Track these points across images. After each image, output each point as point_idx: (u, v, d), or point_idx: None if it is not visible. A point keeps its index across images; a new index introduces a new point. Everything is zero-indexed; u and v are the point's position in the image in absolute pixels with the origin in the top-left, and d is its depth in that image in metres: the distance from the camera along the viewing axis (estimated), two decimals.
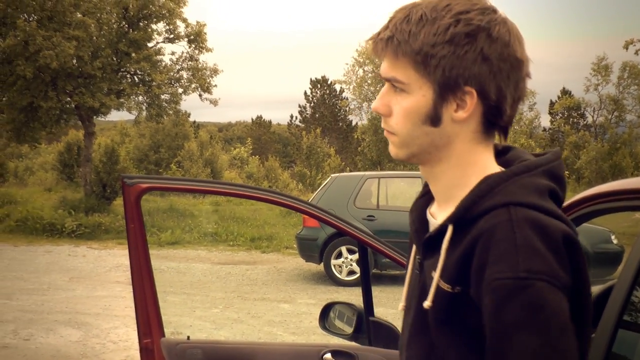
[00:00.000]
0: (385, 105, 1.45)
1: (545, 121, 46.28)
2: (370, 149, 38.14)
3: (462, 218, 1.35)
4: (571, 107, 44.44)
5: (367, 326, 3.05)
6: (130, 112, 24.88)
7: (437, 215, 1.48)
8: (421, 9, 1.38)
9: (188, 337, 2.82)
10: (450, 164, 1.43)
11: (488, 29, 1.36)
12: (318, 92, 61.83)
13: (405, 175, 16.00)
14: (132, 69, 23.55)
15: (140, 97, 24.33)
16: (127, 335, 8.32)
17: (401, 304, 1.57)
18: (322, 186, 13.41)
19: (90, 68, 21.65)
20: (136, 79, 23.89)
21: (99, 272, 13.23)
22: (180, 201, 24.08)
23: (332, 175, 13.87)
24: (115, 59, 22.97)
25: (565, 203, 2.63)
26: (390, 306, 10.22)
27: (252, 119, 73.51)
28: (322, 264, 12.51)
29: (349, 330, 3.07)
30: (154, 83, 23.22)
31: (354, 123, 51.88)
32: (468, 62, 1.35)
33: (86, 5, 21.82)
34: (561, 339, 1.21)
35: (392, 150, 1.49)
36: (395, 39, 1.38)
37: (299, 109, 62.56)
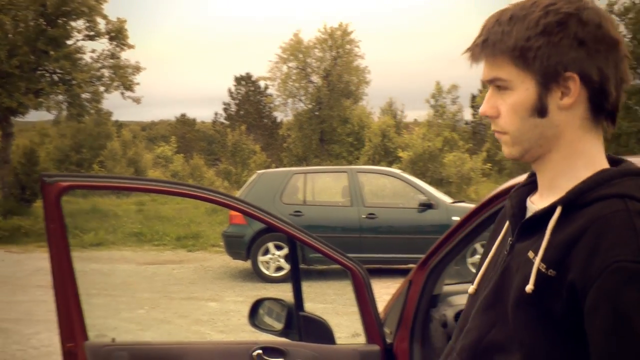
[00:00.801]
0: (492, 108, 1.48)
1: (467, 115, 47.03)
2: (296, 145, 38.14)
3: (574, 202, 1.37)
4: None
5: (297, 321, 3.01)
6: (49, 112, 24.27)
7: (538, 203, 1.50)
8: (510, 11, 1.44)
9: (113, 340, 2.73)
10: (560, 154, 1.45)
11: (577, 14, 1.39)
12: (242, 88, 61.42)
13: (331, 170, 16.09)
14: (51, 68, 22.94)
15: (60, 96, 23.71)
16: (50, 340, 8.06)
17: (472, 287, 1.62)
18: (247, 183, 13.31)
19: (7, 66, 20.99)
20: (55, 77, 23.29)
21: (18, 276, 12.84)
22: (103, 202, 23.61)
23: (258, 171, 13.79)
24: (33, 57, 22.30)
25: (490, 194, 2.67)
26: (319, 301, 10.22)
27: (175, 117, 72.64)
28: (249, 261, 12.41)
29: (279, 326, 3.03)
30: (74, 82, 22.67)
31: (279, 119, 51.78)
32: (564, 48, 1.38)
33: (0, 2, 21.13)
34: None
35: (506, 150, 1.52)
36: (489, 41, 1.44)
37: (224, 106, 62.07)
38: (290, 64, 38.60)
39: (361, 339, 2.92)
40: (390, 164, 26.58)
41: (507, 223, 1.63)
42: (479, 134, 44.73)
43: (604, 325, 1.25)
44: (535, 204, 1.52)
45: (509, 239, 1.54)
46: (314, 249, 2.90)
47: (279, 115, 47.83)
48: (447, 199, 12.86)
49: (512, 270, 1.46)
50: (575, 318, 1.31)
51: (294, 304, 3.04)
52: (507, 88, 1.44)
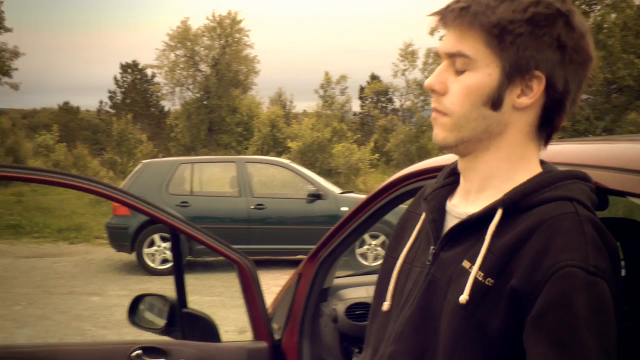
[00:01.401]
0: (441, 83, 1.35)
1: (355, 106, 47.56)
2: (184, 134, 37.60)
3: (516, 204, 1.28)
4: (380, 91, 45.98)
5: (180, 319, 2.84)
6: None
7: (461, 206, 1.41)
8: None
9: None
10: (499, 154, 1.35)
11: (567, 16, 1.30)
12: (129, 76, 60.01)
13: (219, 160, 15.85)
14: None
15: None
16: None
17: (386, 303, 1.47)
18: (132, 173, 12.91)
19: None
20: None
21: None
22: None
23: (143, 161, 13.40)
24: None
25: (380, 185, 2.59)
26: (206, 293, 10.02)
27: (58, 105, 70.26)
28: (134, 254, 12.05)
29: (161, 323, 2.85)
30: None
31: (166, 109, 50.89)
32: (544, 45, 1.28)
33: None
34: (613, 347, 1.16)
35: (440, 134, 1.37)
36: (470, 9, 1.30)
37: (109, 94, 60.51)
38: (178, 52, 37.95)
39: (248, 335, 2.78)
40: (279, 154, 26.51)
41: (417, 229, 1.51)
42: (367, 125, 45.33)
43: (549, 335, 1.15)
44: (458, 207, 1.41)
45: (431, 247, 1.41)
46: (198, 241, 2.73)
47: (167, 105, 47.05)
48: (336, 190, 12.86)
49: (440, 283, 1.34)
50: (513, 332, 1.20)
51: (176, 300, 2.87)
52: (468, 67, 1.31)
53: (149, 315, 2.94)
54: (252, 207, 12.03)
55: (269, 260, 12.31)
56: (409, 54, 39.06)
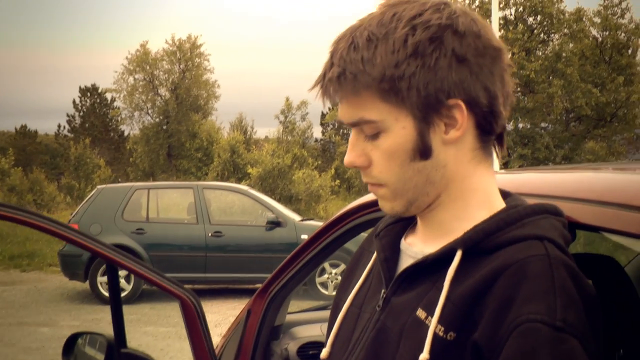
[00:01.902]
0: (360, 156, 1.19)
1: (317, 132, 47.60)
2: (143, 159, 37.18)
3: (477, 245, 1.12)
4: None
5: None
6: None
7: (418, 245, 1.25)
8: (365, 29, 1.14)
9: None
10: (450, 195, 1.20)
11: (451, 25, 1.13)
12: (88, 100, 59.39)
13: (176, 185, 15.59)
14: None
15: None
16: None
17: (325, 350, 1.30)
18: (87, 199, 12.61)
19: None
20: None
21: None
22: None
23: (98, 186, 13.10)
24: None
25: (335, 215, 2.43)
26: (161, 324, 9.75)
27: (15, 129, 69.22)
28: (87, 282, 11.71)
29: None
30: None
31: (126, 133, 50.40)
32: (443, 71, 1.12)
33: None
34: None
35: (386, 205, 1.21)
36: (347, 73, 1.13)
37: (68, 118, 59.77)
38: (137, 76, 37.56)
39: None
40: (239, 181, 26.30)
41: (367, 268, 1.35)
42: (328, 151, 45.36)
43: None
44: (414, 246, 1.25)
45: (382, 290, 1.24)
46: (138, 275, 2.51)
47: (126, 129, 46.58)
48: (296, 217, 12.69)
49: (391, 332, 1.17)
50: None
51: (114, 338, 2.65)
52: (379, 130, 1.15)
53: (86, 357, 2.73)
54: (210, 234, 11.80)
55: (227, 289, 12.07)
56: None
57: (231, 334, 2.91)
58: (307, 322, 2.91)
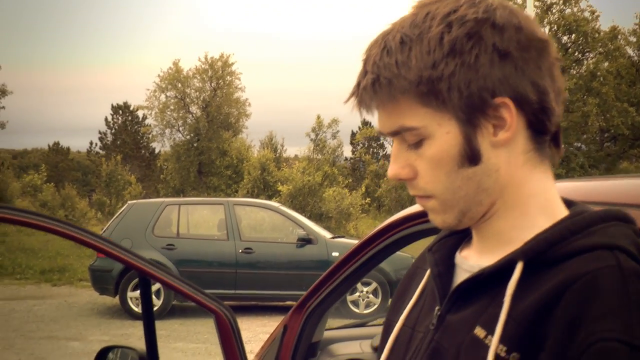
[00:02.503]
0: (405, 167, 1.10)
1: (347, 151, 47.56)
2: (173, 176, 37.40)
3: (540, 256, 1.01)
4: (371, 137, 46.05)
5: None
6: None
7: (473, 259, 1.15)
8: (398, 32, 1.06)
9: None
10: (506, 203, 1.09)
11: (489, 18, 1.04)
12: (119, 118, 59.99)
13: (207, 202, 15.53)
14: None
15: None
16: None
17: None
18: (117, 214, 12.62)
19: None
20: None
21: None
22: None
23: (129, 202, 13.11)
24: None
25: (374, 230, 2.33)
26: (190, 340, 9.68)
27: (49, 146, 70.09)
28: (117, 297, 11.68)
29: None
30: None
31: (157, 150, 50.77)
32: (485, 68, 1.02)
33: None
34: None
35: (437, 218, 1.12)
36: (382, 79, 1.04)
37: (99, 135, 60.41)
38: (169, 94, 37.89)
39: None
40: (269, 198, 26.27)
41: (421, 286, 1.24)
42: (358, 170, 45.27)
43: None
44: (470, 259, 1.14)
45: (436, 307, 1.14)
46: (171, 288, 2.43)
47: (157, 146, 46.88)
48: (327, 234, 12.58)
49: (446, 353, 1.07)
50: None
51: (146, 352, 2.56)
52: (421, 138, 1.06)
53: None
54: (241, 250, 11.73)
55: (257, 306, 11.98)
56: None
57: (266, 350, 2.81)
58: (346, 339, 2.80)
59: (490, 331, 1.00)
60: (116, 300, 11.90)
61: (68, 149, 70.36)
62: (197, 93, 38.34)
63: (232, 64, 38.57)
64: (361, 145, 49.02)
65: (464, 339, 1.04)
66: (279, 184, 27.56)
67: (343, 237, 13.96)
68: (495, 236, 1.11)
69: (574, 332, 0.91)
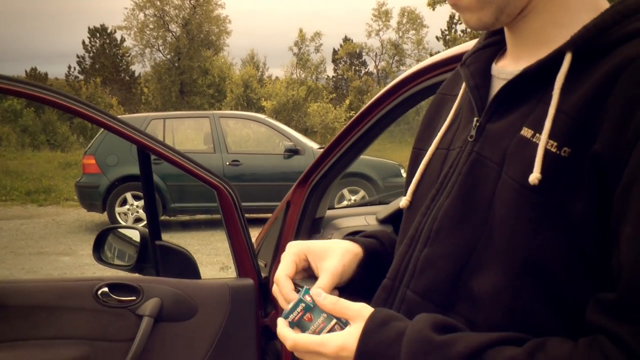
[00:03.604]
0: None
1: (329, 70, 47.18)
2: (155, 97, 37.03)
3: (589, 44, 0.93)
4: (353, 54, 45.61)
5: (153, 253, 2.48)
6: None
7: (511, 67, 1.06)
8: None
9: None
10: None
11: None
12: (97, 41, 58.85)
13: (192, 115, 15.33)
14: None
15: None
16: None
17: (405, 199, 1.18)
18: (100, 131, 12.45)
19: None
20: None
21: None
22: None
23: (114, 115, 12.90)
24: None
25: (385, 89, 2.20)
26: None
27: (26, 72, 68.94)
28: (105, 213, 11.64)
29: (131, 259, 2.50)
30: None
31: (137, 73, 50.11)
32: None
33: None
34: None
35: (472, 18, 1.04)
36: None
37: (78, 59, 59.35)
38: (147, 12, 37.21)
39: (231, 273, 2.43)
40: None
41: (454, 107, 1.17)
42: (340, 89, 44.99)
43: (637, 209, 0.82)
44: (508, 68, 1.06)
45: (475, 119, 1.06)
46: (172, 163, 2.36)
47: (137, 68, 46.32)
48: (314, 145, 12.50)
49: (489, 162, 1.00)
50: (601, 216, 0.86)
51: (148, 232, 2.50)
52: None
53: (117, 251, 2.59)
54: (228, 163, 11.65)
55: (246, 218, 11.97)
56: (382, 14, 38.69)
57: (270, 226, 2.76)
58: (350, 215, 2.74)
59: (539, 130, 0.93)
60: (104, 216, 11.87)
61: (46, 74, 69.21)
62: (177, 11, 37.69)
63: None
64: (343, 62, 48.60)
65: (509, 143, 0.97)
66: (263, 100, 27.36)
67: None
68: (533, 36, 1.03)
69: (630, 116, 0.84)
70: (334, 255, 1.18)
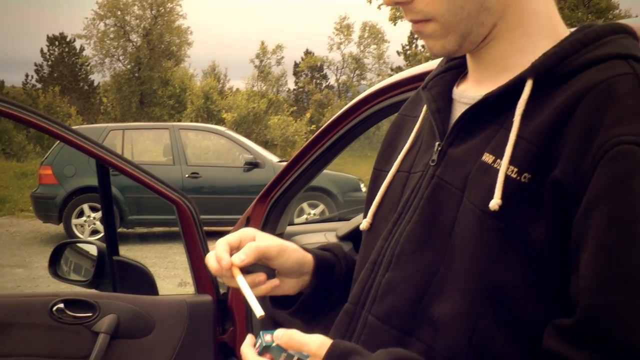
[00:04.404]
0: None
1: (290, 83, 47.32)
2: (114, 107, 36.75)
3: (551, 72, 0.95)
4: (315, 67, 45.81)
5: (110, 268, 2.45)
6: None
7: (472, 91, 1.08)
8: None
9: None
10: (507, 23, 1.02)
11: None
12: (56, 49, 58.22)
13: (152, 126, 15.25)
14: None
15: None
16: None
17: (366, 221, 1.17)
18: (58, 142, 12.29)
19: None
20: None
21: None
22: None
23: (72, 127, 12.76)
24: None
25: (347, 106, 2.20)
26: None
27: None
28: (61, 225, 11.46)
29: (88, 274, 2.47)
30: None
31: (96, 82, 49.70)
32: None
33: None
34: None
35: (436, 45, 1.05)
36: None
37: (36, 67, 58.61)
38: (108, 22, 36.96)
39: (189, 289, 2.41)
40: None
41: (415, 129, 1.18)
42: (301, 102, 45.12)
43: (597, 235, 0.84)
44: (469, 92, 1.07)
45: (436, 143, 1.07)
46: (131, 177, 2.34)
47: (97, 78, 45.92)
48: (274, 158, 12.49)
49: (451, 186, 1.01)
50: (560, 241, 0.88)
51: (105, 247, 2.47)
52: None
53: (73, 266, 2.55)
54: (187, 175, 11.57)
55: (205, 231, 11.89)
56: (344, 28, 38.94)
57: None
58: (310, 232, 2.74)
59: (499, 155, 0.94)
60: (60, 227, 11.68)
61: (2, 82, 68.29)
62: (138, 21, 37.49)
63: None
64: (304, 75, 48.78)
65: (470, 168, 0.98)
66: (224, 112, 27.30)
67: None
68: (495, 62, 1.04)
69: (590, 142, 0.85)
70: (276, 239, 1.19)
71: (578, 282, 0.84)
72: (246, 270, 1.13)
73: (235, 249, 1.14)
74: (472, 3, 0.99)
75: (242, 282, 1.10)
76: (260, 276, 1.15)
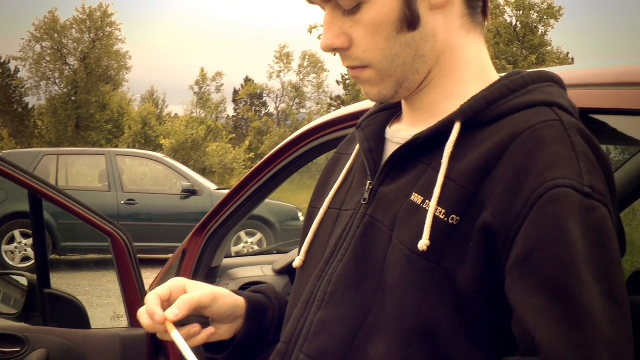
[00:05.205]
0: (339, 36, 1.04)
1: (229, 110, 47.30)
2: (49, 131, 36.12)
3: (479, 115, 0.99)
4: (254, 95, 45.93)
5: (41, 301, 2.40)
6: None
7: (405, 131, 1.10)
8: None
9: None
10: (441, 71, 1.06)
11: None
12: None
13: (88, 152, 15.00)
14: None
15: None
16: None
17: (299, 259, 1.18)
18: None
19: None
20: None
21: None
22: None
23: (4, 151, 12.50)
24: None
25: (284, 142, 2.23)
26: (72, 292, 9.34)
27: None
28: None
29: (16, 307, 2.41)
30: None
31: (31, 105, 48.83)
32: None
33: None
34: (621, 290, 0.88)
35: (372, 91, 1.08)
36: None
37: None
38: (45, 44, 36.40)
39: (123, 322, 2.37)
40: None
41: (347, 167, 1.20)
42: (240, 129, 45.09)
43: (542, 280, 0.86)
44: (401, 132, 1.10)
45: (368, 182, 1.09)
46: (64, 208, 2.30)
47: (31, 101, 45.08)
48: (212, 185, 12.43)
49: (381, 226, 1.02)
50: (489, 282, 0.90)
51: (36, 279, 2.42)
52: (359, 1, 1.00)
53: (2, 296, 2.49)
54: (123, 202, 11.42)
55: (140, 259, 11.73)
56: (284, 56, 39.16)
57: (164, 275, 2.72)
58: (246, 265, 2.73)
59: (428, 196, 0.96)
60: None
61: None
62: (75, 44, 37.01)
63: (112, 14, 37.37)
64: (244, 103, 48.81)
65: (399, 208, 1.00)
66: (161, 138, 27.11)
67: (229, 189, 13.81)
68: (428, 107, 1.08)
69: (520, 186, 0.88)
70: (207, 287, 1.18)
71: (528, 326, 0.85)
72: (180, 322, 1.11)
73: (165, 302, 1.12)
74: (407, 51, 1.02)
75: (177, 337, 1.07)
76: (195, 327, 1.14)
